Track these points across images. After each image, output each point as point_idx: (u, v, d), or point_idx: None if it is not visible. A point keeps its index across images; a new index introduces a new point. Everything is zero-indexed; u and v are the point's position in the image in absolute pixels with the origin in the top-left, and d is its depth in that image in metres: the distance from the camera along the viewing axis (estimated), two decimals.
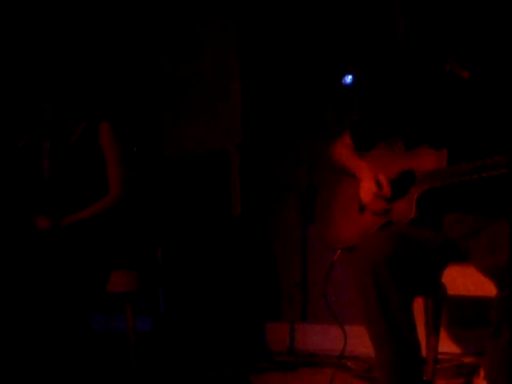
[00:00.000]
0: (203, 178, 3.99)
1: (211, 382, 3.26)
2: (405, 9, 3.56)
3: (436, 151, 2.40)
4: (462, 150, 2.37)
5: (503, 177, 2.26)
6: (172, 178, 4.03)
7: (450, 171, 2.34)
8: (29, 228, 3.03)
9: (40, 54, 4.05)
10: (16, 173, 3.22)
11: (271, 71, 3.90)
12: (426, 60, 2.64)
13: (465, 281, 2.43)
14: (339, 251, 2.68)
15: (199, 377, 3.31)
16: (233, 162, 3.93)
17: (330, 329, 3.28)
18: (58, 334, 2.87)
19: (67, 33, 4.20)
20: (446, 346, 3.27)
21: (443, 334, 3.10)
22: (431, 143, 2.42)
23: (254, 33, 3.92)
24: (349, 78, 3.67)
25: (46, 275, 2.83)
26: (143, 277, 3.03)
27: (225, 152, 3.94)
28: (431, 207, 2.43)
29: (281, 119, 3.89)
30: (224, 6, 3.97)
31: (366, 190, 2.52)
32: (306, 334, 3.74)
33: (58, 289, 2.82)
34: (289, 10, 3.85)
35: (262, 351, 3.73)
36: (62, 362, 2.90)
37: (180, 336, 3.89)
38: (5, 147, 3.26)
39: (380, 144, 2.63)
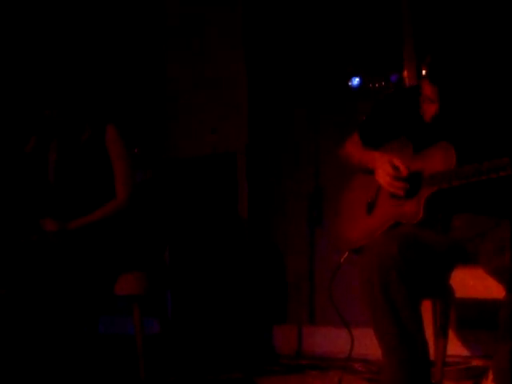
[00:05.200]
0: (210, 180, 4.00)
1: None
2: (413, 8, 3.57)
3: (445, 152, 2.39)
4: (472, 151, 2.36)
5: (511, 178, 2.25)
6: (179, 181, 4.03)
7: (457, 172, 2.33)
8: (36, 230, 3.03)
9: (46, 60, 4.07)
10: (23, 177, 3.23)
11: (278, 74, 3.90)
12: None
13: (473, 283, 2.42)
14: (346, 253, 2.68)
15: (206, 379, 3.31)
16: (240, 164, 3.93)
17: (338, 331, 3.27)
18: (66, 336, 2.87)
19: (71, 38, 4.21)
20: (454, 348, 3.26)
21: (451, 337, 3.09)
22: (441, 144, 2.42)
23: (261, 35, 3.93)
24: (355, 81, 3.67)
25: (53, 278, 2.84)
26: (151, 279, 3.03)
27: (232, 154, 3.95)
28: (440, 209, 2.43)
29: (287, 121, 3.89)
30: (231, 10, 3.98)
31: (383, 174, 2.50)
32: (313, 337, 3.73)
33: (65, 291, 2.83)
34: (296, 12, 3.85)
35: (269, 354, 3.73)
36: (70, 365, 2.90)
37: (187, 338, 3.89)
38: (12, 152, 3.27)
39: (389, 145, 2.63)
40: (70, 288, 2.83)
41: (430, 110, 2.47)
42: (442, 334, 2.73)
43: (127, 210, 3.09)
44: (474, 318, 3.29)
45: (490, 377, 2.30)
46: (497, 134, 2.39)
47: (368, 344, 2.71)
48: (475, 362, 3.25)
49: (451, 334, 3.05)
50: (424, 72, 2.42)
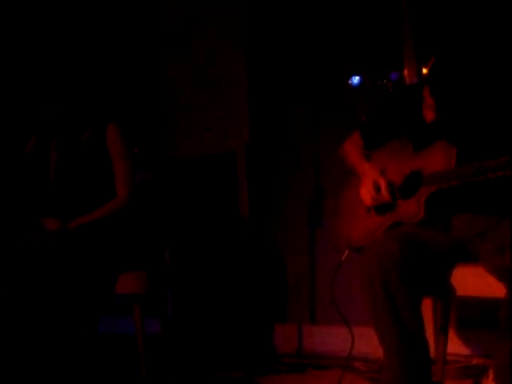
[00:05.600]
0: (211, 180, 4.00)
1: (219, 383, 3.26)
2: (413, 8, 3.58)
3: (445, 152, 2.39)
4: (472, 150, 2.36)
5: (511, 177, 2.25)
6: (180, 180, 4.03)
7: (457, 172, 2.34)
8: (36, 230, 3.04)
9: (46, 60, 4.07)
10: (23, 177, 3.23)
11: (278, 74, 3.90)
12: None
13: (474, 281, 2.42)
14: (347, 251, 2.68)
15: (207, 378, 3.31)
16: (240, 164, 3.93)
17: (338, 330, 3.27)
18: (66, 336, 2.87)
19: (71, 38, 4.21)
20: (455, 347, 3.26)
21: (452, 335, 3.09)
22: (441, 144, 2.42)
23: (261, 35, 3.93)
24: (356, 79, 3.67)
25: (53, 277, 2.84)
26: (152, 279, 3.03)
27: (232, 154, 3.95)
28: (440, 208, 2.43)
29: (287, 121, 3.89)
30: (231, 10, 3.97)
31: (366, 193, 2.56)
32: (314, 336, 3.73)
33: (65, 291, 2.83)
34: (295, 12, 3.85)
35: (269, 353, 3.73)
36: (70, 365, 2.90)
37: (188, 338, 3.89)
38: (12, 152, 3.27)
39: (390, 144, 2.63)
40: (70, 288, 2.83)
41: (430, 114, 2.49)
42: (442, 332, 2.74)
43: (127, 210, 3.09)
44: (475, 317, 3.28)
45: (491, 376, 2.30)
46: (496, 134, 2.40)
47: (369, 343, 2.71)
48: (476, 361, 3.25)
49: (452, 333, 3.06)
50: (426, 72, 2.43)
